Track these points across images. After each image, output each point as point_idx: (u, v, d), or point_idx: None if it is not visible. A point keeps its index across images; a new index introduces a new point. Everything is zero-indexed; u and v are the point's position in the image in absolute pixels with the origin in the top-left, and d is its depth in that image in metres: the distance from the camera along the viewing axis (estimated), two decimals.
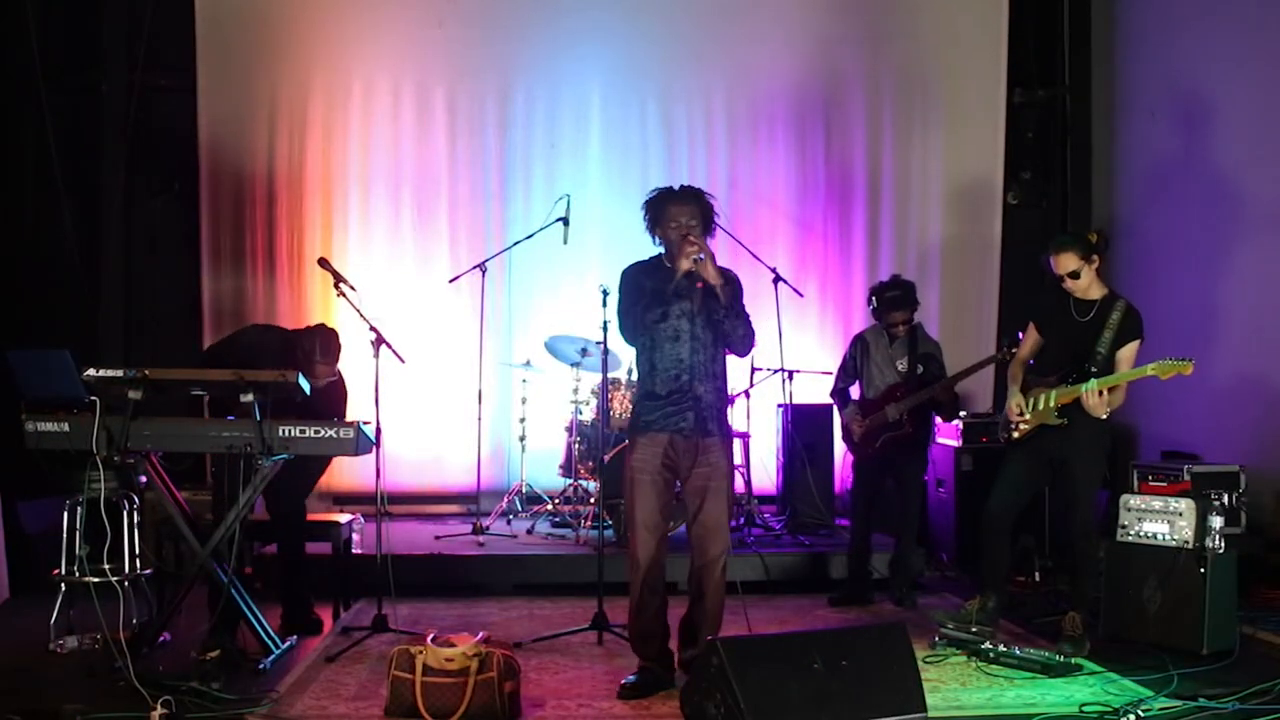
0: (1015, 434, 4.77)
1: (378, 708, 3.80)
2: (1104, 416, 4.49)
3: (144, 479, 4.56)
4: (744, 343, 4.07)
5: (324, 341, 4.83)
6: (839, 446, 6.56)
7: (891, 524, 5.70)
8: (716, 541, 4.01)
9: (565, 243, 6.29)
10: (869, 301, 5.65)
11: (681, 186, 4.10)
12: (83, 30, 7.16)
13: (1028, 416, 4.70)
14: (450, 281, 6.69)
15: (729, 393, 4.24)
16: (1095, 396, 4.44)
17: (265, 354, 4.66)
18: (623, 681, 4.00)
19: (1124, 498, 4.91)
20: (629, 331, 4.07)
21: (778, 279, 6.35)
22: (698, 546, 4.05)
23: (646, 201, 4.10)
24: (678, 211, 3.99)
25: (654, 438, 4.01)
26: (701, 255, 3.88)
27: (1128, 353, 4.56)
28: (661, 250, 4.11)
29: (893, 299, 5.51)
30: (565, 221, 6.20)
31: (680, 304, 3.99)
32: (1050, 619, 5.02)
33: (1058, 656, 4.36)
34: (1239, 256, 6.43)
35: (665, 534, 4.08)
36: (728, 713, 3.32)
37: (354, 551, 5.39)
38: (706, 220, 4.03)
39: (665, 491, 4.03)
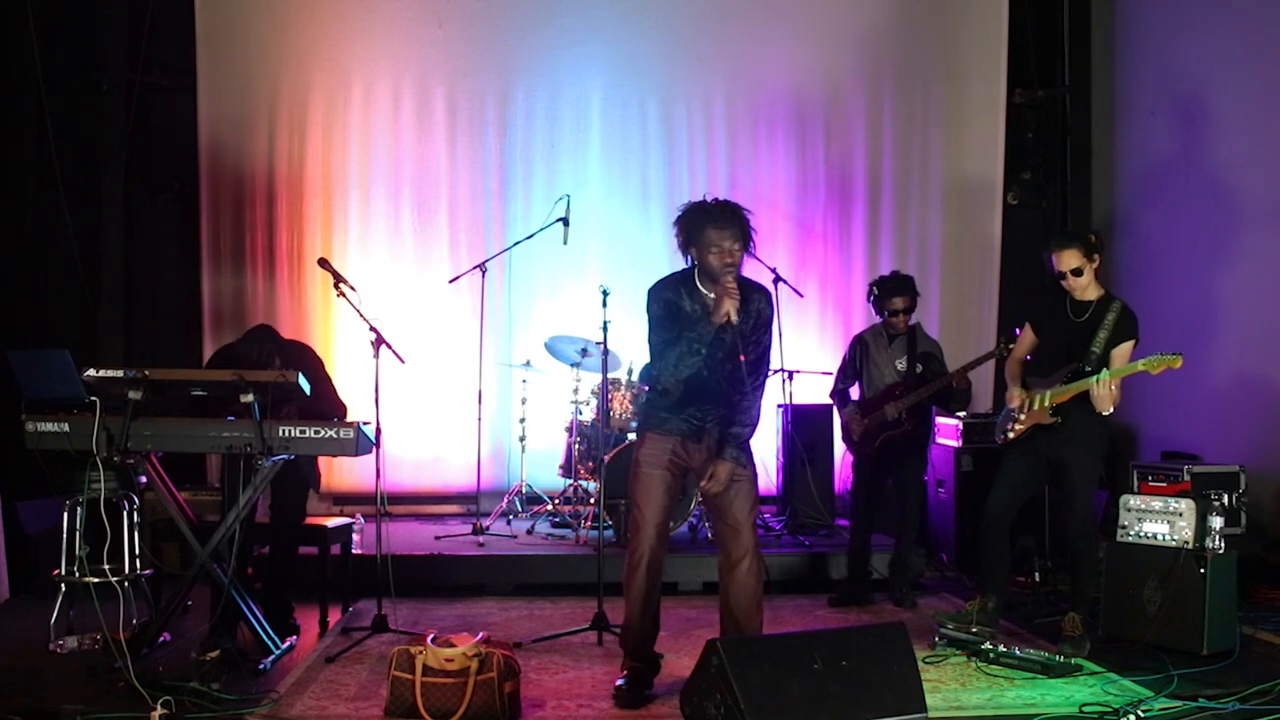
0: (1011, 434, 4.78)
1: (378, 708, 3.80)
2: (1108, 411, 4.48)
3: (144, 479, 4.57)
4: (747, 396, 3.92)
5: (242, 349, 4.75)
6: (839, 446, 6.56)
7: (891, 524, 5.70)
8: (738, 541, 3.90)
9: (565, 243, 6.28)
10: (869, 294, 5.65)
11: (718, 203, 3.83)
12: (83, 30, 7.16)
13: (1022, 417, 4.71)
14: (450, 281, 6.69)
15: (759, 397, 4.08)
16: (1105, 388, 4.43)
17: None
18: (617, 683, 3.97)
19: (1124, 498, 4.92)
20: (665, 375, 3.88)
21: (778, 279, 6.35)
22: (722, 548, 3.98)
23: (681, 219, 3.85)
24: (719, 236, 3.74)
25: (666, 436, 3.95)
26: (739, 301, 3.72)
27: (1122, 351, 4.56)
28: (686, 266, 3.92)
29: (893, 286, 5.52)
30: (565, 222, 6.20)
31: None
32: (1050, 619, 5.02)
33: (1058, 657, 4.36)
34: (1238, 256, 6.43)
35: (668, 532, 4.04)
36: (728, 713, 3.32)
37: (354, 552, 5.40)
38: (746, 240, 3.79)
39: (672, 488, 3.98)
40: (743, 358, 3.78)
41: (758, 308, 3.88)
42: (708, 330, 3.81)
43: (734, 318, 3.72)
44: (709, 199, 3.88)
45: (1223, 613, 4.56)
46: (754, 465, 4.03)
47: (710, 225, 3.77)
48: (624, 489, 5.25)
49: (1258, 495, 5.85)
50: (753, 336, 3.87)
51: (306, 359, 4.90)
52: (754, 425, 3.95)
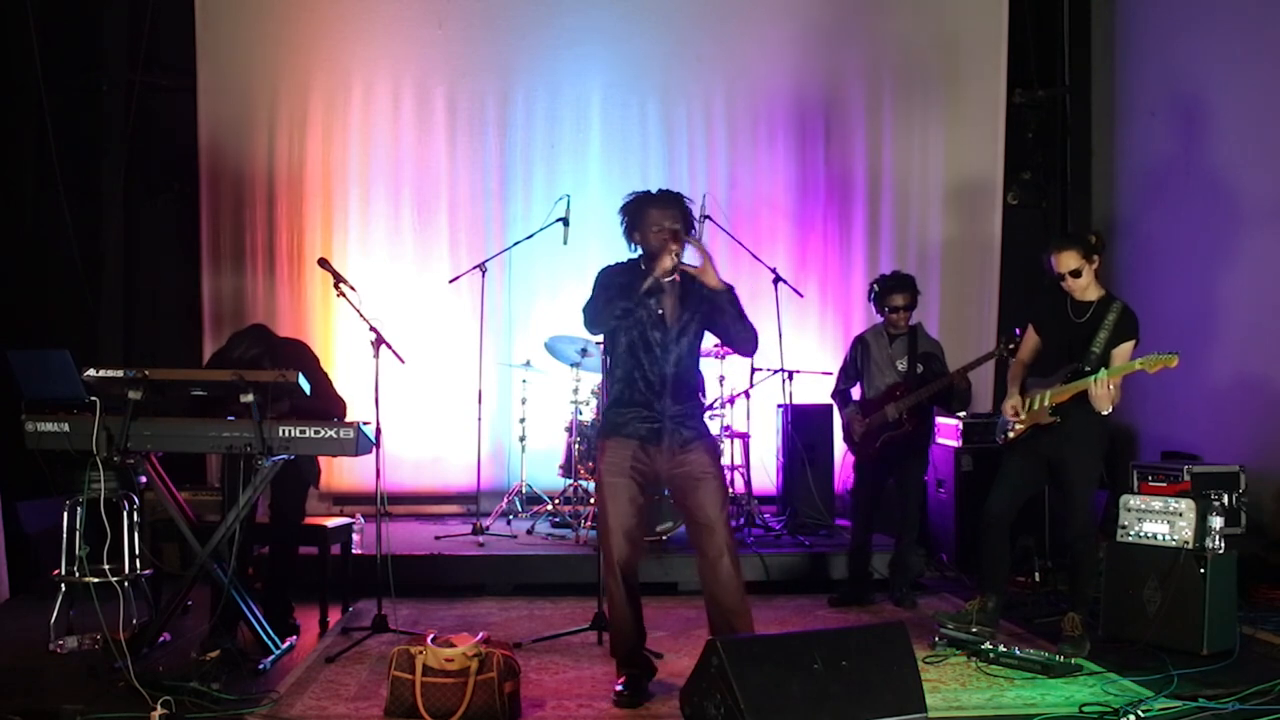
0: (1011, 434, 4.78)
1: (378, 708, 3.80)
2: (1107, 410, 4.48)
3: (144, 479, 4.57)
4: (748, 344, 4.05)
5: (230, 346, 4.78)
6: (839, 446, 6.56)
7: (891, 524, 5.70)
8: (712, 540, 3.92)
9: (565, 243, 6.29)
10: (870, 292, 5.65)
11: (660, 190, 4.04)
12: (83, 30, 7.16)
13: (1023, 416, 4.71)
14: (450, 281, 6.69)
15: (706, 397, 4.19)
16: (1103, 387, 4.43)
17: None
18: (616, 688, 3.98)
19: (1124, 498, 4.92)
20: (589, 321, 4.01)
21: (778, 279, 6.35)
22: (697, 546, 4.01)
23: (623, 206, 4.04)
24: (659, 215, 3.93)
25: (624, 441, 3.96)
26: (681, 258, 3.82)
27: (1122, 351, 4.56)
28: (638, 254, 4.04)
29: (893, 283, 5.54)
30: (565, 222, 6.20)
31: (651, 310, 3.92)
32: (1050, 619, 5.02)
33: (1058, 657, 4.36)
34: (1238, 256, 6.43)
35: (640, 537, 4.01)
36: (728, 713, 3.32)
37: (354, 552, 5.40)
38: (686, 224, 3.97)
39: (639, 494, 3.97)
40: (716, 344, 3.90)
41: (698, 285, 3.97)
42: (633, 288, 3.88)
43: (673, 262, 3.78)
44: (655, 190, 4.06)
45: (1223, 613, 4.56)
46: (718, 461, 4.08)
47: (652, 206, 3.97)
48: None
49: (1258, 495, 5.85)
50: (716, 300, 3.93)
51: (303, 357, 4.89)
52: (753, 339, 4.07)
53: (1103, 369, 4.47)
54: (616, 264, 4.09)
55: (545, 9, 7.42)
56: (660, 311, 3.94)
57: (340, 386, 5.03)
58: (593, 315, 3.99)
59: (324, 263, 4.93)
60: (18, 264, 6.74)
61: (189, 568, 4.45)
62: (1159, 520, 4.74)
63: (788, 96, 7.61)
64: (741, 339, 4.02)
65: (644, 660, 4.11)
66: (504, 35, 7.40)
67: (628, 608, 4.00)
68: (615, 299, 3.92)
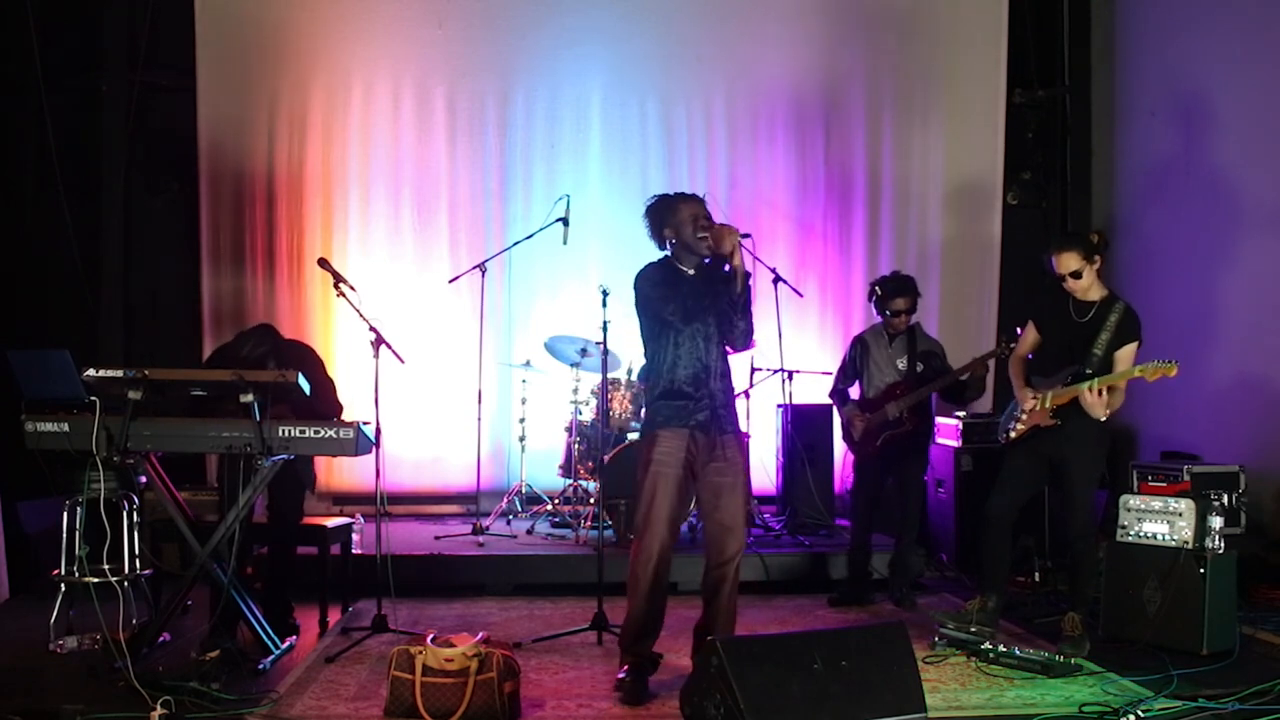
0: (1012, 434, 4.78)
1: (378, 708, 3.80)
2: (1103, 417, 4.49)
3: (144, 479, 4.56)
4: (745, 337, 4.10)
5: (237, 344, 4.79)
6: (839, 446, 6.57)
7: (891, 524, 5.70)
8: (734, 540, 4.03)
9: (565, 243, 6.28)
10: (870, 294, 5.65)
11: (678, 192, 4.18)
12: (83, 30, 7.16)
13: (1024, 417, 4.71)
14: (450, 281, 6.69)
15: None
16: (1094, 395, 4.44)
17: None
18: (619, 676, 4.00)
19: (1124, 498, 4.92)
20: (685, 317, 4.01)
21: (778, 279, 6.35)
22: (715, 545, 4.06)
23: (651, 206, 4.15)
24: (693, 208, 4.07)
25: (677, 432, 4.02)
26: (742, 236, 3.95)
27: (1125, 354, 4.56)
28: (666, 254, 4.14)
29: (895, 287, 5.53)
30: (565, 222, 6.20)
31: (709, 300, 4.03)
32: (1050, 619, 5.02)
33: (1058, 657, 4.36)
34: (1239, 257, 6.43)
35: (678, 529, 4.09)
36: (728, 713, 3.32)
37: (354, 552, 5.40)
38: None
39: (684, 487, 4.05)
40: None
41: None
42: (704, 272, 4.03)
43: (732, 246, 3.89)
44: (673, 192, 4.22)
45: (1222, 613, 4.56)
46: (747, 462, 4.13)
47: (680, 202, 4.12)
48: (624, 489, 5.28)
49: (1258, 495, 5.85)
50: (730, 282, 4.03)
51: (307, 360, 4.89)
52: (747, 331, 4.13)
53: (1094, 379, 4.48)
54: (650, 265, 4.16)
55: (545, 9, 7.42)
56: (707, 300, 4.03)
57: (340, 386, 5.03)
58: (685, 310, 4.01)
59: (324, 263, 4.93)
60: (18, 264, 6.75)
61: (189, 568, 4.45)
62: (1159, 520, 4.75)
63: (787, 96, 7.61)
64: (737, 330, 4.05)
65: (650, 654, 4.13)
66: (504, 35, 7.40)
67: (649, 596, 4.03)
68: (685, 292, 4.00)
